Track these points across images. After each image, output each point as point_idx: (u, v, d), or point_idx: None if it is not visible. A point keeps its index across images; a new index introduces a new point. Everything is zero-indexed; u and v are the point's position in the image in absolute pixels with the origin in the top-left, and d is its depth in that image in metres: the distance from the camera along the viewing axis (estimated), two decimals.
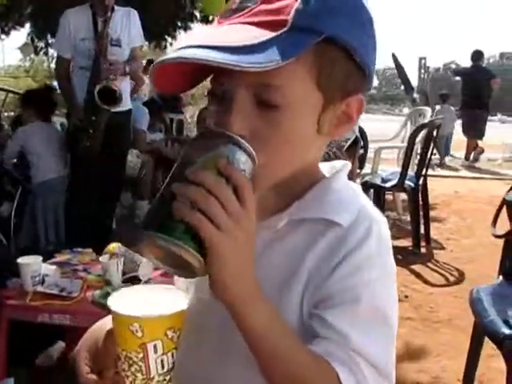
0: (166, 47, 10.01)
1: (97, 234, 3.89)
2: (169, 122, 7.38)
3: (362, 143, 3.02)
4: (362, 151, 3.09)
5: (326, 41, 0.64)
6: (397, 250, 4.19)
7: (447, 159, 10.36)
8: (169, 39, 10.00)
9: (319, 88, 0.67)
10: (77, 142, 3.61)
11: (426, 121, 4.85)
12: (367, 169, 5.07)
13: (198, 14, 9.57)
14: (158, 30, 9.44)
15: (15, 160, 4.00)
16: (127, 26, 3.70)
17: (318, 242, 0.71)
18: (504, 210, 2.28)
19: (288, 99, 0.66)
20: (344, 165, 0.80)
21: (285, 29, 0.63)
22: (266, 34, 0.62)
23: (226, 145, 0.62)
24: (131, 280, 2.21)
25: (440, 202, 6.20)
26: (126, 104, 3.81)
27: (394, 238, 4.80)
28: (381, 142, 5.80)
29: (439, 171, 8.95)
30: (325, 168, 0.79)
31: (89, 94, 3.50)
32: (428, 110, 5.38)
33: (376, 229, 0.72)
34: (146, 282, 2.20)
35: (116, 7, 3.69)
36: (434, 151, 10.41)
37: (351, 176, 2.57)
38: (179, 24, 9.82)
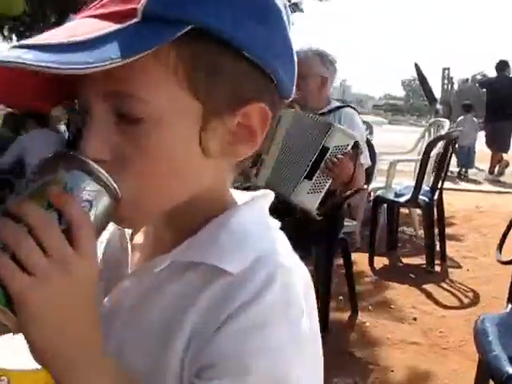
0: None
1: None
2: None
3: (365, 152, 2.85)
4: (366, 162, 2.90)
5: (197, 34, 0.49)
6: (409, 269, 4.04)
7: (471, 172, 10.09)
8: None
9: (195, 95, 0.52)
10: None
11: (443, 133, 4.65)
12: (380, 183, 4.89)
13: None
14: None
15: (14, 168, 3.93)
16: None
17: (202, 293, 0.55)
18: None
19: (151, 111, 0.51)
20: (264, 195, 0.65)
21: (135, 20, 0.48)
22: (108, 27, 0.48)
23: (70, 170, 0.48)
24: None
25: (459, 218, 5.97)
26: None
27: (407, 255, 4.63)
28: (397, 155, 5.61)
29: (461, 185, 8.71)
30: (244, 197, 0.64)
31: None
32: (446, 122, 5.17)
33: (282, 279, 0.55)
34: None
35: None
36: (453, 162, 10.23)
37: (350, 188, 2.34)
38: None
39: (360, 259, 4.36)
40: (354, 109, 3.06)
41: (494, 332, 1.81)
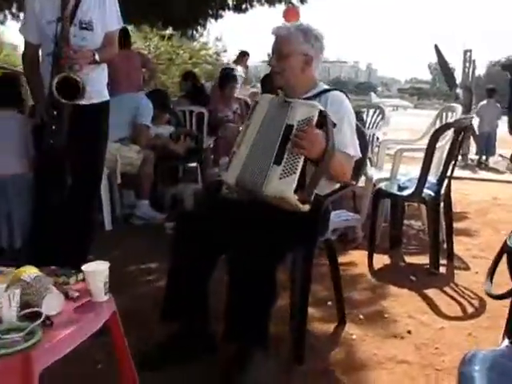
0: (193, 36, 9.59)
1: (74, 245, 3.51)
2: (188, 114, 6.94)
3: (354, 142, 2.51)
4: (356, 153, 2.54)
5: None
6: (412, 269, 3.62)
7: (492, 160, 9.59)
8: (198, 28, 9.57)
9: None
10: (40, 140, 3.20)
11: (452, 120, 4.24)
12: (386, 173, 4.50)
13: (230, 2, 9.09)
14: (185, 16, 9.03)
15: None
16: (102, 7, 3.24)
17: None
18: (504, 259, 1.72)
19: None
20: None
21: None
22: None
23: None
24: (31, 316, 1.76)
25: (473, 211, 5.55)
26: (99, 96, 3.37)
27: (412, 253, 4.25)
28: (406, 143, 5.20)
29: (479, 174, 8.22)
30: None
31: (50, 85, 3.08)
32: (458, 108, 4.73)
33: None
34: (48, 320, 1.75)
35: None
36: (473, 150, 9.70)
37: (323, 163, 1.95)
38: (210, 12, 9.36)
39: (359, 258, 4.00)
40: (344, 92, 2.67)
41: (483, 377, 1.45)
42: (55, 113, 3.08)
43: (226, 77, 7.11)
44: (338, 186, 2.62)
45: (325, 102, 2.50)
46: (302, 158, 2.25)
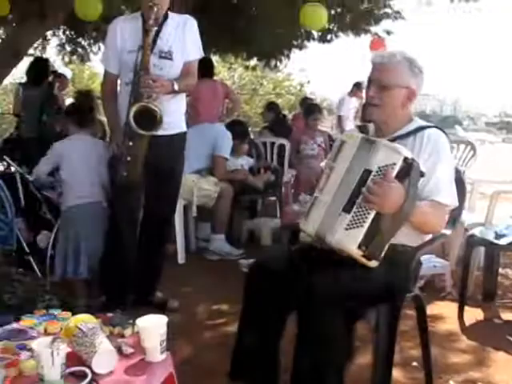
0: (276, 66, 9.51)
1: (141, 281, 3.40)
2: (269, 145, 6.80)
3: (449, 188, 2.23)
4: (451, 202, 2.25)
5: None
6: (508, 328, 3.23)
7: None
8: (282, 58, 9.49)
9: None
10: (115, 171, 3.11)
11: None
12: (479, 216, 4.12)
13: (315, 33, 8.96)
14: (270, 48, 8.99)
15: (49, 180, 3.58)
16: (182, 37, 3.15)
17: None
18: None
19: None
20: None
21: None
22: None
23: None
24: (78, 375, 1.59)
25: None
26: (177, 127, 3.26)
27: (507, 308, 3.81)
28: (503, 184, 4.79)
29: None
30: None
31: (127, 115, 2.99)
32: None
33: None
34: (95, 382, 1.56)
35: (171, 14, 3.15)
36: None
37: (399, 221, 1.59)
38: (294, 43, 9.28)
39: (449, 310, 3.63)
40: (442, 130, 2.36)
41: None
42: (130, 143, 2.98)
43: (309, 108, 6.94)
44: (430, 236, 2.32)
45: (420, 142, 2.23)
46: (374, 212, 2.00)
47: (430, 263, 3.83)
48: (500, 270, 4.14)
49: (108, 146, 3.28)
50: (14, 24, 7.48)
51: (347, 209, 2.04)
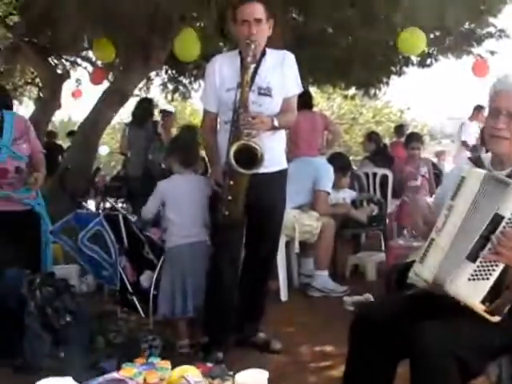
0: (375, 95, 9.32)
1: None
2: (372, 176, 6.61)
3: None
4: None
5: None
6: None
7: None
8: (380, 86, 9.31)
9: None
10: (215, 210, 3.08)
11: None
12: None
13: (414, 58, 8.75)
14: (368, 77, 8.85)
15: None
16: (280, 72, 3.10)
17: None
18: None
19: None
20: None
21: None
22: None
23: None
24: None
25: None
26: (278, 164, 3.19)
27: None
28: None
29: None
30: None
31: (228, 153, 2.97)
32: None
33: None
34: None
35: (268, 50, 3.12)
36: None
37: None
38: (393, 69, 9.08)
39: None
40: None
41: None
42: (231, 182, 2.94)
43: (408, 137, 6.69)
44: None
45: None
46: (502, 265, 1.80)
47: None
48: None
49: (209, 183, 3.25)
50: (121, 68, 7.86)
51: (472, 257, 1.83)
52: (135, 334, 3.39)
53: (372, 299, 4.11)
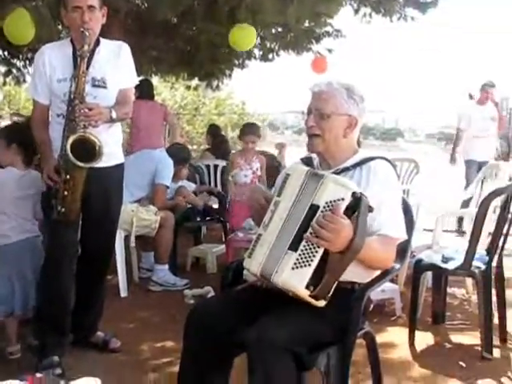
0: (218, 87, 9.42)
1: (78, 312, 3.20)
2: (213, 168, 6.67)
3: (397, 220, 2.15)
4: (399, 235, 2.18)
5: None
6: (459, 352, 3.10)
7: None
8: (222, 78, 9.42)
9: None
10: (50, 207, 2.91)
11: (502, 183, 3.86)
12: (426, 240, 4.11)
13: (256, 52, 8.95)
14: (211, 68, 8.92)
15: None
16: (115, 63, 3.01)
17: None
18: None
19: None
20: None
21: None
22: None
23: None
24: None
25: None
26: (115, 158, 3.10)
27: (458, 329, 3.79)
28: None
29: None
30: None
31: (62, 147, 2.82)
32: (503, 167, 4.34)
33: None
34: None
35: (102, 40, 3.00)
36: None
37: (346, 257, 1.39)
38: (236, 62, 9.24)
39: (399, 336, 3.58)
40: (388, 161, 2.29)
41: None
42: (67, 177, 2.79)
43: (243, 130, 5.53)
44: (379, 272, 2.24)
45: (366, 174, 2.15)
46: (321, 250, 1.90)
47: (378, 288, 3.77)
48: (447, 290, 4.14)
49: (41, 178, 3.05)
50: None
51: (294, 247, 1.93)
52: None
53: (212, 292, 4.15)
